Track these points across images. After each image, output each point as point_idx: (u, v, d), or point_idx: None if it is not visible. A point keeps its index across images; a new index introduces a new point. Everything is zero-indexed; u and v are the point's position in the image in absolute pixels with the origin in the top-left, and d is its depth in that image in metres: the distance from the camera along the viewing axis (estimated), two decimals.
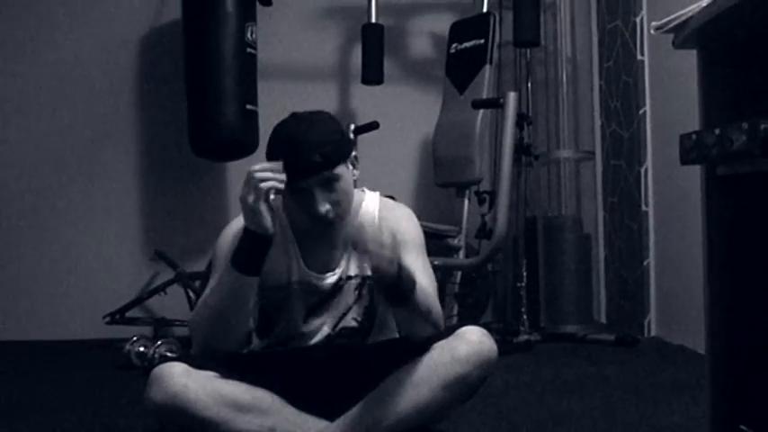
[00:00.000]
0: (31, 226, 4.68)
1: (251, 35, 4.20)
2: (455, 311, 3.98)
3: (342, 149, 1.96)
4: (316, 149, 1.89)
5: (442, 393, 1.89)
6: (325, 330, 2.11)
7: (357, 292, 2.11)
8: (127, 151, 4.77)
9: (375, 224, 2.10)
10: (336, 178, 1.94)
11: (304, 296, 2.09)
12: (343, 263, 2.10)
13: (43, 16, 4.72)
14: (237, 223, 2.08)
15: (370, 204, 2.15)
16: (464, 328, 1.96)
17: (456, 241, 4.04)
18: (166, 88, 4.67)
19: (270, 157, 1.95)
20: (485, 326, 3.90)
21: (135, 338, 3.57)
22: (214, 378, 1.90)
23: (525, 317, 4.08)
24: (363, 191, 2.18)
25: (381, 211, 2.14)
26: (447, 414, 2.03)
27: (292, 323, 2.11)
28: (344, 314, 2.11)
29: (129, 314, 4.17)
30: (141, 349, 3.51)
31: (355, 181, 2.09)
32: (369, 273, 2.09)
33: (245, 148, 4.25)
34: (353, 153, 2.04)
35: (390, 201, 2.21)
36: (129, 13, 4.74)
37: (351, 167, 2.02)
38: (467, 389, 1.93)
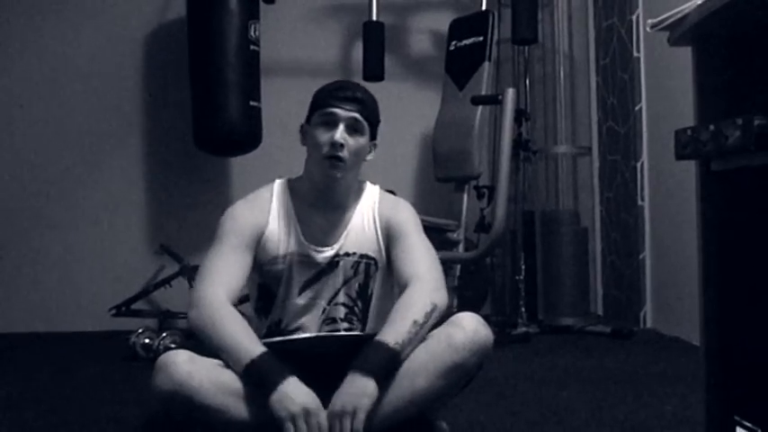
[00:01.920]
0: (38, 220, 4.70)
1: (254, 32, 4.23)
2: (455, 304, 4.00)
3: (375, 114, 2.17)
4: (361, 94, 2.11)
5: (439, 381, 1.89)
6: (321, 305, 2.15)
7: (353, 270, 2.16)
8: (132, 146, 4.79)
9: (372, 214, 2.20)
10: (361, 130, 2.10)
11: (300, 268, 2.14)
12: (341, 240, 2.16)
13: (50, 14, 4.73)
14: (242, 205, 2.18)
15: (370, 195, 2.24)
16: (459, 315, 1.97)
17: (455, 235, 4.05)
18: (171, 84, 4.70)
19: (316, 93, 2.15)
20: (483, 318, 3.94)
21: (140, 330, 3.60)
22: (218, 366, 1.92)
23: (523, 309, 4.11)
24: (365, 182, 2.26)
25: (380, 204, 2.22)
26: (444, 402, 2.04)
27: (290, 296, 2.15)
28: (339, 289, 2.16)
29: (134, 306, 4.20)
30: (146, 341, 3.54)
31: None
32: (366, 252, 2.17)
33: (248, 143, 4.30)
34: (375, 141, 2.18)
35: (389, 194, 2.29)
36: (135, 10, 4.76)
37: (369, 144, 2.16)
38: (464, 376, 1.95)
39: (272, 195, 2.19)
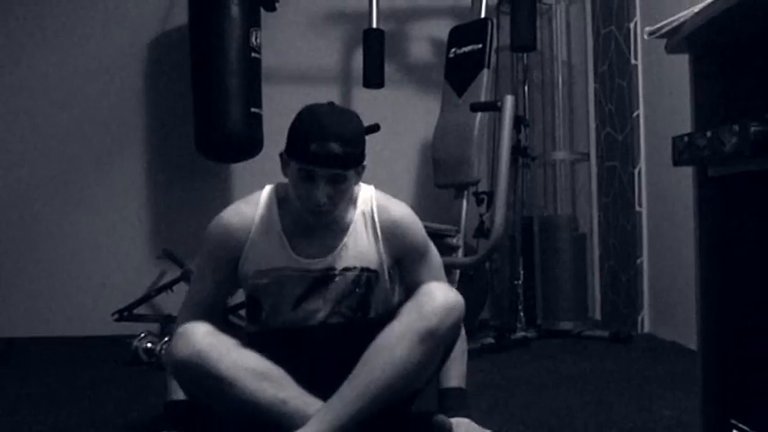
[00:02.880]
0: (41, 225, 4.72)
1: (255, 40, 4.26)
2: None
3: (360, 156, 2.01)
4: (340, 145, 1.93)
5: (416, 349, 1.92)
6: (319, 318, 2.12)
7: (354, 284, 2.12)
8: (135, 152, 4.81)
9: (371, 224, 2.14)
10: (344, 180, 1.98)
11: (292, 282, 2.09)
12: (335, 252, 2.10)
13: (54, 21, 4.76)
14: (223, 222, 2.12)
15: (365, 197, 2.16)
16: (427, 285, 2.02)
17: (455, 240, 4.02)
18: (173, 91, 4.72)
19: (293, 129, 1.99)
20: (483, 323, 3.96)
21: (142, 335, 3.60)
22: (237, 344, 1.97)
23: (522, 314, 4.12)
24: (359, 184, 2.17)
25: (379, 205, 2.15)
26: (428, 373, 2.03)
27: (281, 308, 2.11)
28: (339, 303, 2.12)
29: (136, 311, 4.22)
30: (149, 345, 3.55)
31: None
32: (367, 265, 2.13)
33: (249, 149, 4.32)
34: (364, 163, 2.07)
35: (384, 195, 2.21)
36: (138, 18, 4.79)
37: (357, 175, 2.06)
38: (441, 342, 1.98)
39: (257, 206, 2.12)
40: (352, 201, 2.14)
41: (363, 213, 2.14)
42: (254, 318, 2.17)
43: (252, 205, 2.14)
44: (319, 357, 2.03)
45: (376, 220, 2.14)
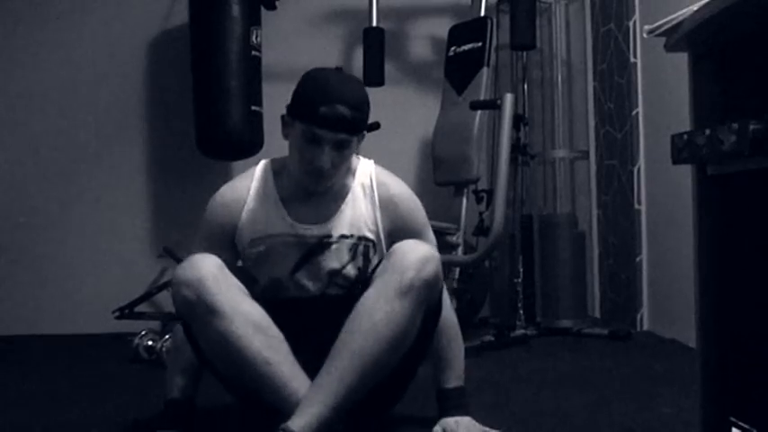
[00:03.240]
0: (41, 222, 4.73)
1: (256, 39, 4.27)
2: (454, 306, 4.02)
3: (365, 122, 2.03)
4: (348, 109, 1.94)
5: (395, 306, 1.88)
6: (316, 288, 2.11)
7: (351, 253, 2.11)
8: (136, 151, 4.82)
9: (370, 195, 2.13)
10: (348, 145, 2.00)
11: (287, 249, 2.08)
12: (332, 219, 2.10)
13: (54, 20, 4.77)
14: (219, 200, 2.15)
15: (364, 169, 2.17)
16: (399, 245, 1.98)
17: (454, 238, 4.04)
18: (174, 90, 4.72)
19: (300, 90, 2.01)
20: (482, 320, 3.97)
21: (143, 333, 3.61)
22: (243, 290, 1.96)
23: (521, 311, 4.10)
24: (358, 157, 2.19)
25: (378, 179, 2.16)
26: (417, 333, 1.97)
27: (278, 277, 2.10)
28: (338, 272, 2.11)
29: (137, 309, 4.22)
30: (149, 343, 3.54)
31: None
32: (364, 234, 2.11)
33: (250, 147, 4.31)
34: (364, 131, 2.08)
35: (384, 170, 2.21)
36: (138, 16, 4.79)
37: (357, 143, 2.07)
38: (419, 295, 1.92)
39: (252, 179, 2.14)
40: (351, 170, 2.14)
41: (362, 185, 2.14)
42: (251, 289, 2.13)
43: (247, 179, 2.15)
44: (318, 328, 1.98)
45: (375, 191, 2.14)
